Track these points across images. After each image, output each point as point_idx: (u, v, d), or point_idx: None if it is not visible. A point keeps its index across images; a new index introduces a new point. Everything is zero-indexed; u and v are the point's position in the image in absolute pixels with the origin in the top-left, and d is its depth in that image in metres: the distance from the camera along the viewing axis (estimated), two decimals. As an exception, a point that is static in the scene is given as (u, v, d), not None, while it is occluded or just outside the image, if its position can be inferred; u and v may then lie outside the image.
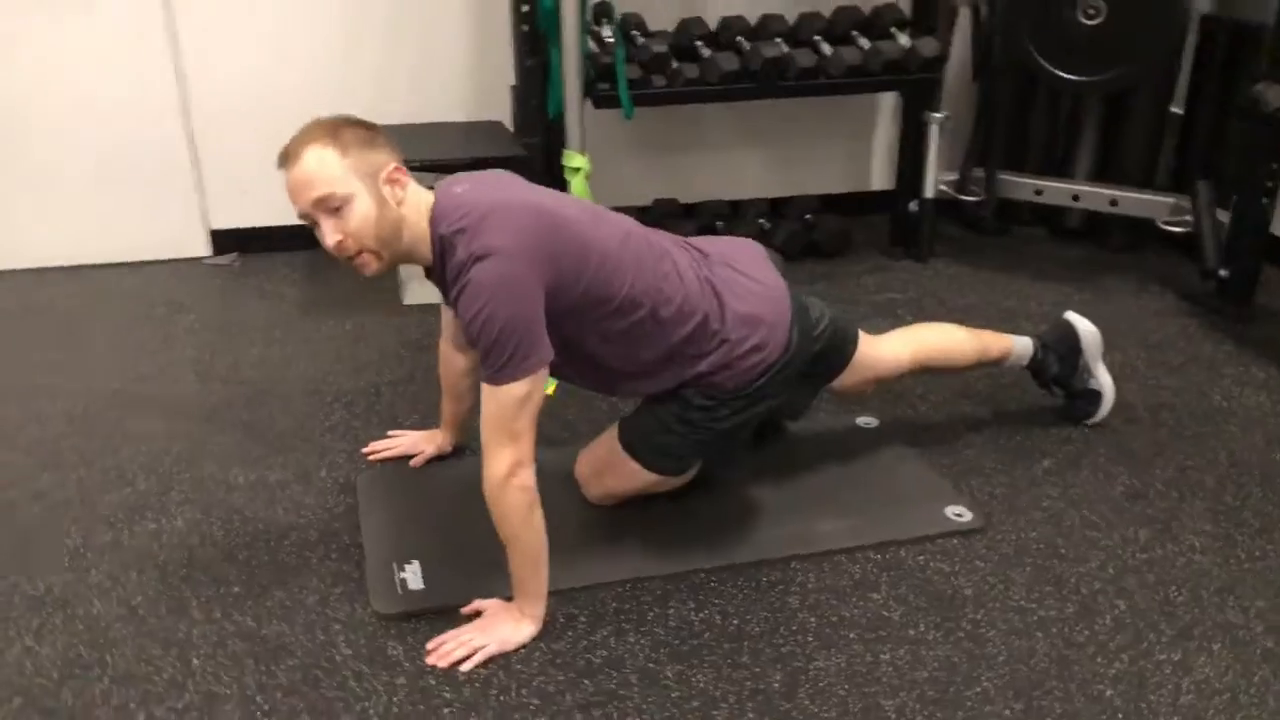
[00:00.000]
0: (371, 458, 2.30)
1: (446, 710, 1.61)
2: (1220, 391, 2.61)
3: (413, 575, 1.90)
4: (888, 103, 3.86)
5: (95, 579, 1.92)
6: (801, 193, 3.77)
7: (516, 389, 1.64)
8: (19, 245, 3.40)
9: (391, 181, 1.69)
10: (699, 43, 3.24)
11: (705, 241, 1.99)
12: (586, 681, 1.67)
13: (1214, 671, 1.69)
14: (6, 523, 2.08)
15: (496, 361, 1.63)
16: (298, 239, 3.49)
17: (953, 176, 3.66)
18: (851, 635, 1.77)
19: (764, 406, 1.95)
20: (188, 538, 2.04)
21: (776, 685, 1.66)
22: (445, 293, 1.80)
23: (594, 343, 1.82)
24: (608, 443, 2.03)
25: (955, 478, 2.23)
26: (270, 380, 2.68)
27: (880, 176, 3.99)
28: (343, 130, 1.68)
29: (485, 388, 1.66)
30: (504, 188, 1.78)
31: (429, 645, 1.73)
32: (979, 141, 3.60)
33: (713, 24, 3.29)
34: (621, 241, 1.80)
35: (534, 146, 3.13)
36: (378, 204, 1.67)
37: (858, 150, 3.98)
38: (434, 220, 1.72)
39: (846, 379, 2.19)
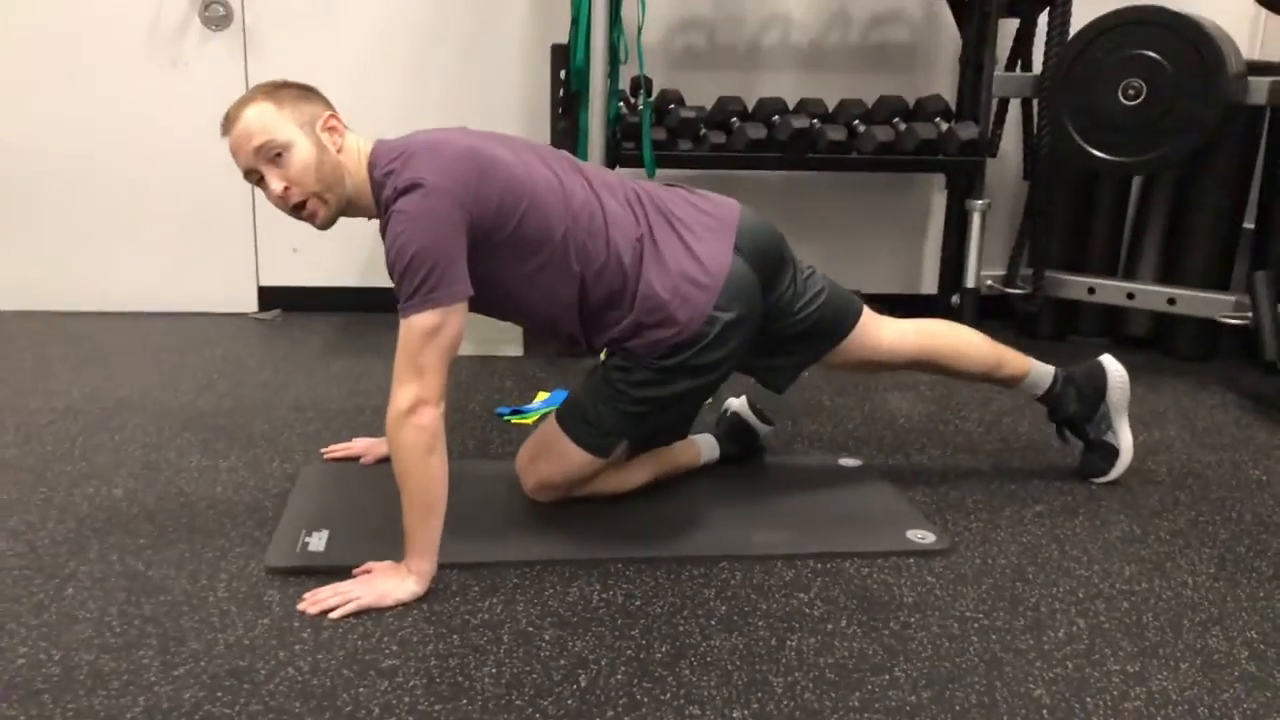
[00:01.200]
0: (327, 455, 2.25)
1: (298, 646, 1.49)
2: (1262, 469, 2.35)
3: (317, 540, 1.81)
4: (943, 204, 3.79)
5: (13, 525, 1.89)
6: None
7: (424, 320, 1.59)
8: (78, 290, 3.55)
9: (329, 129, 1.73)
10: (734, 119, 3.27)
11: (682, 197, 1.89)
12: (455, 637, 1.53)
13: (1174, 686, 1.44)
14: (-41, 480, 2.09)
15: (407, 290, 1.60)
16: (340, 299, 3.63)
17: (1001, 273, 3.53)
18: (760, 624, 1.59)
19: (684, 386, 1.83)
20: (119, 502, 2.01)
21: (659, 656, 1.49)
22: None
23: (535, 297, 1.79)
24: (544, 426, 1.97)
25: (930, 511, 2.04)
26: (262, 398, 2.69)
27: (931, 280, 3.88)
28: (278, 89, 1.73)
29: (401, 321, 1.62)
30: (443, 131, 1.78)
31: (305, 595, 1.62)
32: (1027, 239, 3.46)
33: (752, 106, 3.33)
34: (556, 194, 1.76)
35: (558, 205, 3.16)
36: (317, 149, 1.70)
37: (910, 250, 3.89)
38: (371, 165, 1.73)
39: (840, 356, 2.06)
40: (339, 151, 1.72)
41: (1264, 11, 3.45)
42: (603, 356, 1.93)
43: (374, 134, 1.80)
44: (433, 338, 1.59)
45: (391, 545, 1.70)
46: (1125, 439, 2.19)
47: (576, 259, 1.75)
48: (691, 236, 1.82)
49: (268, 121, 1.68)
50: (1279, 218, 3.30)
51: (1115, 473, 2.19)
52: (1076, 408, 2.17)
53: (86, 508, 1.97)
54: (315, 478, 2.13)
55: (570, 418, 1.88)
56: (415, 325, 1.59)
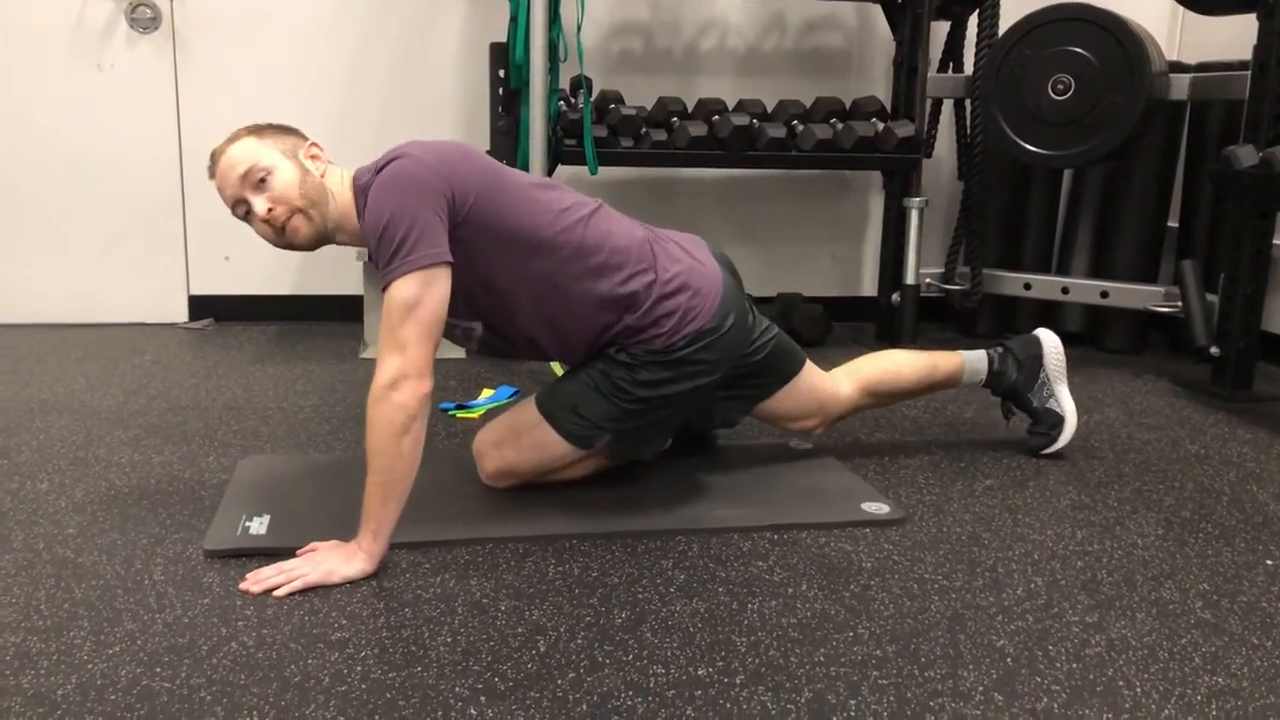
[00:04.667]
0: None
1: (241, 623, 1.43)
2: (1199, 444, 2.40)
3: (258, 524, 1.75)
4: (880, 207, 3.82)
5: (-70, 519, 1.79)
6: (790, 291, 3.70)
7: (403, 289, 1.56)
8: (3, 301, 3.41)
9: (312, 156, 1.75)
10: (675, 118, 3.28)
11: (650, 226, 1.96)
12: (408, 610, 1.48)
13: (1132, 633, 1.45)
14: None
15: (384, 256, 1.58)
16: (274, 309, 3.54)
17: (939, 270, 3.58)
18: (720, 590, 1.56)
19: (686, 386, 1.82)
20: (45, 495, 1.92)
21: (620, 621, 1.45)
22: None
23: (524, 295, 1.76)
24: (515, 413, 1.92)
25: (883, 487, 2.04)
26: (195, 399, 2.60)
27: (871, 283, 3.91)
28: (260, 127, 1.77)
29: (383, 293, 1.59)
30: None
31: (248, 575, 1.56)
32: (963, 237, 3.51)
33: (691, 107, 3.33)
34: (539, 185, 1.81)
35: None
36: (300, 171, 1.72)
37: (850, 253, 3.92)
38: (355, 181, 1.75)
39: (787, 403, 2.07)
40: (322, 176, 1.74)
41: (1182, 13, 3.57)
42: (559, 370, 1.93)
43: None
44: (413, 311, 1.55)
45: (336, 529, 1.65)
46: (1068, 405, 2.22)
47: (575, 245, 1.75)
48: (681, 243, 1.89)
49: (251, 150, 1.72)
50: (1202, 210, 3.40)
51: (1064, 438, 2.21)
52: (1017, 376, 2.21)
53: (9, 502, 1.88)
54: (254, 469, 2.05)
55: (558, 408, 1.84)
56: (395, 296, 1.56)
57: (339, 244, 1.80)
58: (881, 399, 2.22)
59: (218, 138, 1.76)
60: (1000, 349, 2.22)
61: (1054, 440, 2.20)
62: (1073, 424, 2.20)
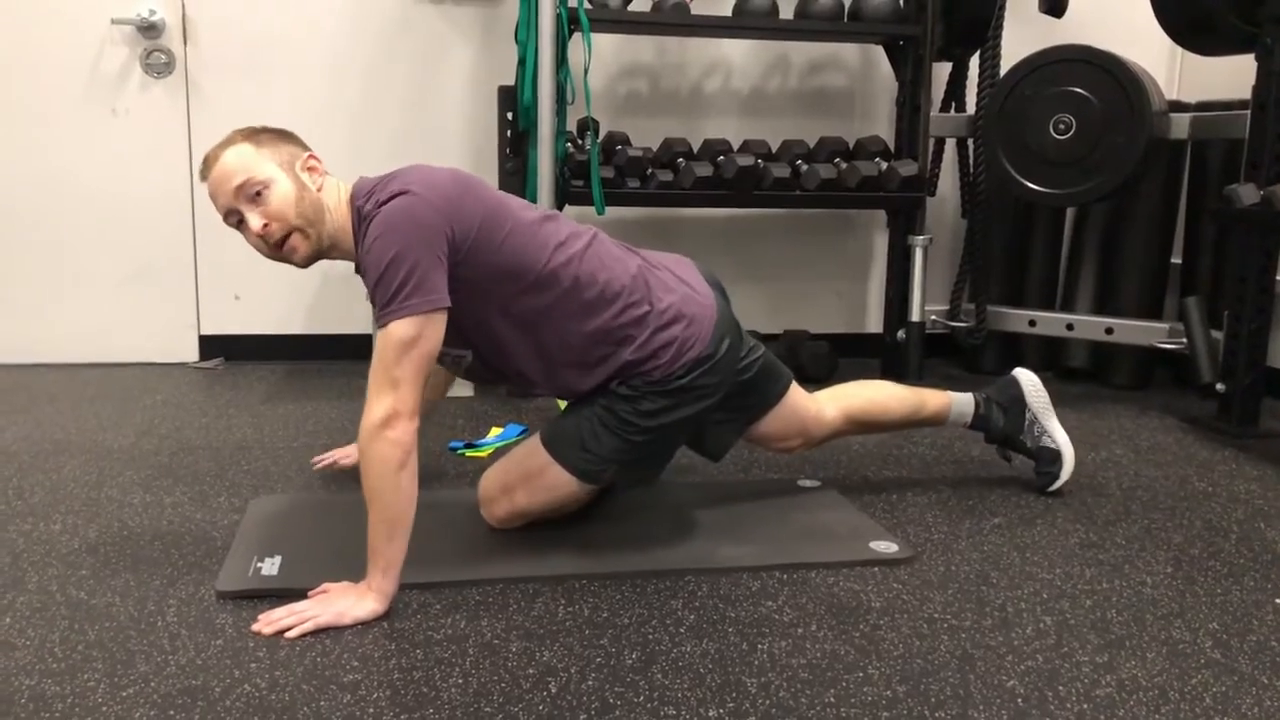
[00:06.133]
0: (318, 466, 2.25)
1: (253, 665, 1.44)
2: (1207, 481, 2.40)
3: (270, 565, 1.76)
4: (885, 245, 3.84)
5: (-56, 561, 1.81)
6: (796, 328, 3.71)
7: (400, 330, 1.57)
8: (11, 342, 3.44)
9: (309, 169, 1.73)
10: (680, 159, 3.31)
11: (641, 251, 1.96)
12: (419, 652, 1.49)
13: (1143, 673, 1.45)
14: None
15: (383, 297, 1.59)
16: (284, 347, 3.57)
17: (944, 308, 3.60)
18: (730, 630, 1.56)
19: (689, 412, 1.83)
20: (58, 536, 1.93)
21: (630, 662, 1.46)
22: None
23: (518, 329, 1.77)
24: (521, 456, 1.92)
25: (891, 525, 2.04)
26: (206, 438, 2.62)
27: (876, 320, 3.93)
28: (256, 132, 1.74)
29: (377, 331, 1.60)
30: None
31: (260, 616, 1.57)
32: (968, 274, 3.53)
33: (697, 147, 3.37)
34: (538, 219, 1.80)
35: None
36: (297, 186, 1.69)
37: (855, 291, 3.94)
38: (352, 199, 1.74)
39: (773, 424, 2.08)
40: (319, 190, 1.72)
41: (1182, 54, 3.61)
42: (562, 405, 1.94)
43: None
44: (409, 349, 1.57)
45: (348, 570, 1.65)
46: (1062, 438, 2.23)
47: (571, 280, 1.75)
48: (674, 270, 1.89)
49: (247, 160, 1.68)
50: (1204, 247, 3.42)
51: (1065, 471, 2.21)
52: (1005, 422, 2.21)
53: (23, 543, 1.89)
54: (265, 509, 2.07)
55: (566, 447, 1.83)
56: (392, 335, 1.57)
57: (331, 259, 1.77)
58: (863, 428, 2.23)
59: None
60: (984, 396, 2.23)
61: (1057, 476, 2.21)
62: (1070, 455, 2.21)
